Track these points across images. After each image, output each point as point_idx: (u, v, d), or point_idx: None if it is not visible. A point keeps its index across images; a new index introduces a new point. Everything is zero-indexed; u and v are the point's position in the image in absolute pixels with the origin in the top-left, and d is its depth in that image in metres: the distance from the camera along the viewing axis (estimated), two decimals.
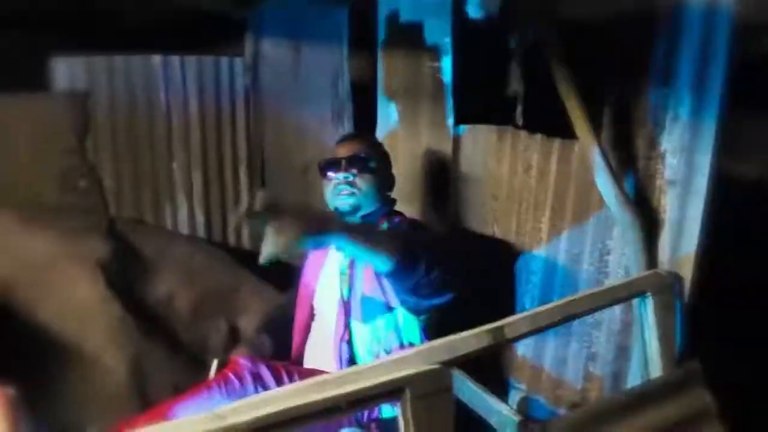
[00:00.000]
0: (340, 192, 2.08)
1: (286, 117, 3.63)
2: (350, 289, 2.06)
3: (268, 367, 1.98)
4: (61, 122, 3.53)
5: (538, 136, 2.23)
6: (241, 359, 1.98)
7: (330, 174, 2.10)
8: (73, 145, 3.55)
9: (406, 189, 2.68)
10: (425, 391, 1.40)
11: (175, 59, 3.64)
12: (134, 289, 2.77)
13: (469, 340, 1.54)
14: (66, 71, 3.53)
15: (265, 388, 1.91)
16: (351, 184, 2.08)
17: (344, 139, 2.24)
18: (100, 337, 2.44)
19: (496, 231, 2.45)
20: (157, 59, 3.62)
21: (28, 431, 1.47)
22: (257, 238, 1.56)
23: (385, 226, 2.08)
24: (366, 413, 2.03)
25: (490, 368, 2.39)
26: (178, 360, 2.55)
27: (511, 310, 2.27)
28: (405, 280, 1.78)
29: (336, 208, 2.11)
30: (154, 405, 2.05)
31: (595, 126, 1.89)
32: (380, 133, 2.86)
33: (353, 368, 1.51)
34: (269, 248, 1.48)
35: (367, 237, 1.72)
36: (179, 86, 3.67)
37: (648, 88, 1.87)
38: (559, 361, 2.21)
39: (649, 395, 1.72)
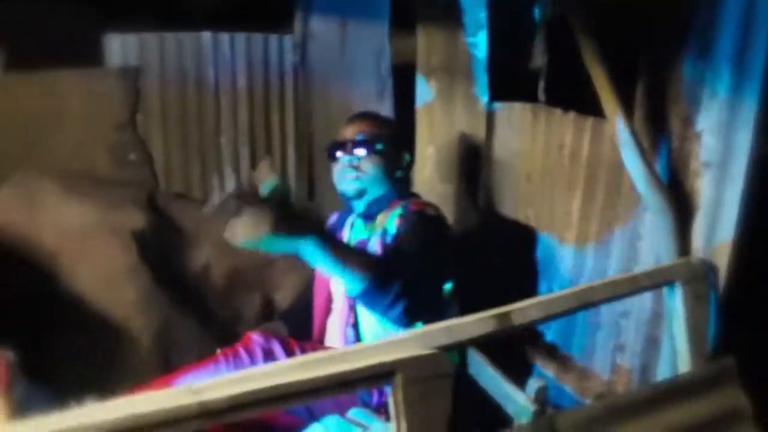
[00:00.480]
0: (346, 175, 2.04)
1: (332, 94, 3.63)
2: None
3: (281, 343, 1.96)
4: (113, 97, 3.61)
5: (572, 115, 2.13)
6: (254, 334, 1.96)
7: (336, 156, 2.05)
8: (124, 119, 3.63)
9: (440, 166, 2.64)
10: (419, 375, 1.35)
11: (224, 36, 3.66)
12: (171, 261, 2.82)
13: (472, 324, 1.48)
14: (119, 47, 3.61)
15: None
16: (356, 168, 2.02)
17: (351, 120, 2.15)
18: (128, 306, 2.49)
19: (529, 212, 2.36)
20: (207, 36, 3.64)
21: (24, 394, 1.48)
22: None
23: (398, 211, 2.00)
24: (375, 396, 2.00)
25: (517, 353, 2.31)
26: (210, 332, 2.57)
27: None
28: (375, 306, 1.78)
29: (342, 193, 2.07)
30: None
31: (626, 103, 1.78)
32: (418, 112, 2.81)
33: (347, 348, 1.48)
34: (234, 232, 1.50)
35: (344, 255, 1.69)
36: (228, 63, 3.69)
37: (683, 62, 1.74)
38: (587, 351, 2.12)
39: (675, 391, 1.61)
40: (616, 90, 1.77)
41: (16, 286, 2.66)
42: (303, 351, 1.96)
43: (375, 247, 1.99)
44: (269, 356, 1.92)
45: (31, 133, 3.53)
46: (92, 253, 2.64)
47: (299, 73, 3.74)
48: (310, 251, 1.62)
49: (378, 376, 1.32)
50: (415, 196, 2.11)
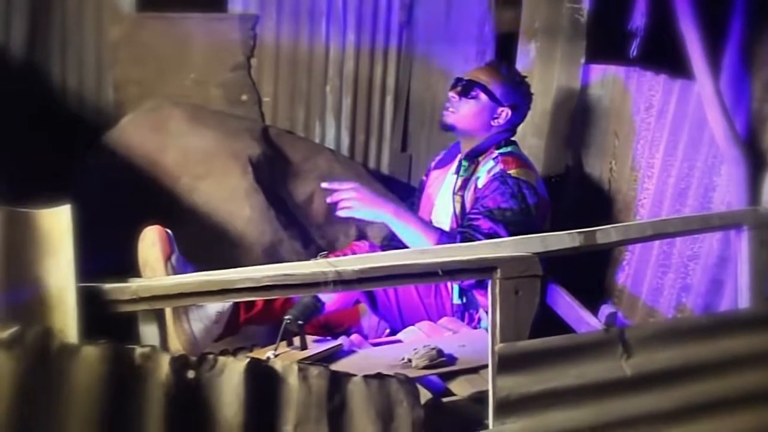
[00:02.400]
0: (446, 109, 2.30)
1: (433, 53, 3.86)
2: (462, 206, 2.26)
3: (381, 250, 2.24)
4: (232, 41, 3.94)
5: (662, 77, 2.33)
6: (359, 243, 2.25)
7: (450, 88, 2.32)
8: (240, 62, 3.96)
9: (533, 122, 2.84)
10: (515, 274, 1.58)
11: None
12: (279, 188, 3.11)
13: (562, 238, 1.69)
14: None
15: None
16: (453, 105, 2.29)
17: (481, 64, 2.43)
18: (244, 222, 2.80)
19: (614, 166, 2.57)
20: None
21: (177, 264, 1.78)
22: None
23: (490, 163, 2.22)
24: (466, 318, 2.25)
25: (591, 296, 2.53)
26: (310, 251, 2.86)
27: None
28: None
29: (439, 121, 2.36)
30: None
31: (714, 65, 1.98)
32: None
33: (452, 245, 1.74)
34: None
35: (417, 222, 2.08)
36: (340, 17, 3.96)
37: None
38: (655, 291, 2.33)
39: (735, 323, 1.78)
40: (706, 53, 1.96)
41: (143, 199, 3.00)
42: None
43: (469, 194, 2.24)
44: None
45: (159, 67, 3.90)
46: (214, 172, 2.97)
47: (404, 31, 4.01)
48: (389, 222, 2.06)
49: (482, 269, 1.57)
50: (512, 144, 2.33)
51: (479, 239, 1.98)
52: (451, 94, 2.31)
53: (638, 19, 2.29)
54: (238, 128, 3.25)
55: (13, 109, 3.60)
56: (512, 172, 2.18)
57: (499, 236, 1.97)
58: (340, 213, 2.03)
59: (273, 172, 3.12)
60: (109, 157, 3.18)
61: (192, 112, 3.31)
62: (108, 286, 1.31)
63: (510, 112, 2.32)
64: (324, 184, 2.07)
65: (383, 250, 2.24)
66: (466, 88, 2.28)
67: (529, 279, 1.61)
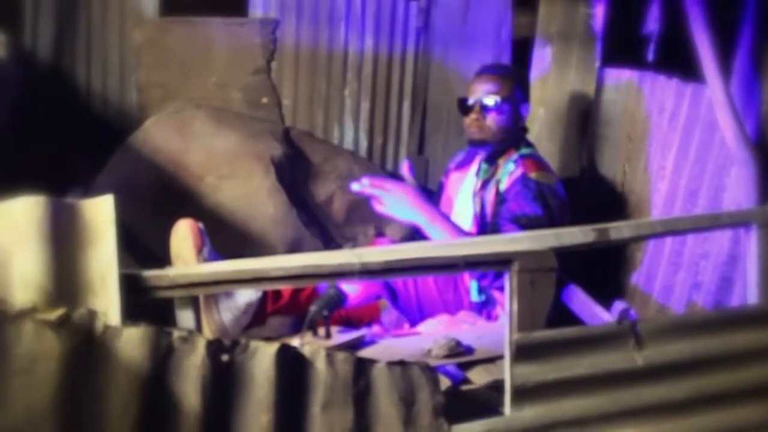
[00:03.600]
0: (472, 127, 2.35)
1: (450, 58, 3.92)
2: (482, 208, 2.33)
3: None
4: (252, 45, 4.02)
5: (674, 81, 2.39)
6: (380, 239, 2.33)
7: (465, 110, 2.36)
8: (260, 66, 4.04)
9: (548, 125, 2.91)
10: (531, 267, 1.65)
11: None
12: (300, 188, 3.20)
13: (575, 234, 1.75)
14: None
15: None
16: (480, 122, 2.33)
17: (479, 74, 2.42)
18: (267, 220, 2.89)
19: (627, 168, 2.63)
20: None
21: (209, 256, 1.86)
22: None
23: (510, 166, 2.28)
24: (485, 313, 2.32)
25: (604, 294, 2.59)
26: (330, 249, 2.94)
27: None
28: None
29: (469, 139, 2.39)
30: None
31: (725, 69, 2.04)
32: (534, 77, 3.07)
33: (471, 239, 1.81)
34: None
35: (450, 228, 2.07)
36: (359, 22, 4.04)
37: None
38: (667, 289, 2.39)
39: (744, 318, 1.83)
40: (717, 57, 2.03)
41: (169, 198, 3.08)
42: None
43: (490, 196, 2.31)
44: None
45: (182, 70, 3.98)
46: (237, 172, 3.06)
47: (421, 36, 4.10)
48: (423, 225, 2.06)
49: (499, 262, 1.64)
50: (530, 146, 2.40)
51: None
52: (476, 116, 2.33)
53: (652, 24, 2.36)
54: (260, 130, 3.34)
55: (41, 112, 3.71)
56: (533, 175, 2.24)
57: None
58: (377, 208, 2.08)
59: (294, 173, 3.21)
60: (134, 158, 3.26)
61: (215, 114, 3.40)
62: (148, 273, 1.38)
63: (528, 106, 2.42)
64: (365, 181, 2.04)
65: None
66: (491, 106, 2.32)
67: (545, 272, 1.67)
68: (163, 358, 1.33)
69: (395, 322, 2.38)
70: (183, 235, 1.86)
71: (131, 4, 3.90)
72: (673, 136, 2.40)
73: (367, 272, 1.51)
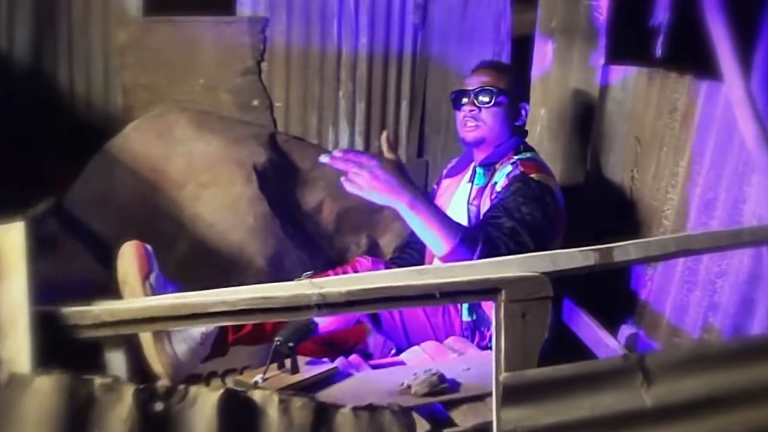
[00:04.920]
0: (467, 124, 2.15)
1: (449, 55, 3.72)
2: (477, 216, 2.11)
3: (387, 267, 2.10)
4: (241, 45, 3.90)
5: (687, 78, 2.17)
6: (362, 258, 2.12)
7: (459, 105, 2.16)
8: (250, 67, 3.91)
9: (550, 126, 2.71)
10: (522, 296, 1.44)
11: None
12: (287, 196, 3.01)
13: (574, 255, 1.53)
14: None
15: None
16: (477, 118, 2.13)
17: (477, 69, 2.25)
18: (246, 232, 2.70)
19: (635, 174, 2.42)
20: None
21: (157, 284, 1.66)
22: None
23: (508, 168, 2.08)
24: (477, 338, 2.11)
25: (610, 311, 2.38)
26: (317, 266, 2.74)
27: None
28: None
29: (463, 139, 2.18)
30: None
31: (745, 64, 1.82)
32: (535, 74, 2.87)
33: (454, 264, 1.60)
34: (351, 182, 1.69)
35: (430, 221, 1.78)
36: (352, 20, 3.87)
37: None
38: (680, 309, 2.17)
39: (764, 349, 1.64)
40: (736, 51, 1.81)
41: (147, 208, 2.92)
42: None
43: (486, 202, 2.10)
44: None
45: (168, 72, 3.85)
46: (218, 180, 2.89)
47: (419, 33, 3.92)
48: (402, 212, 1.77)
49: (483, 291, 1.42)
50: (531, 150, 2.19)
51: (502, 239, 1.84)
52: (471, 108, 2.14)
53: (661, 14, 2.13)
54: (244, 135, 3.17)
55: (20, 115, 3.56)
56: (534, 175, 2.05)
57: (522, 238, 1.85)
58: (346, 186, 1.70)
59: (280, 180, 3.02)
60: (112, 166, 3.10)
61: (198, 118, 3.25)
62: (67, 309, 1.19)
63: (528, 107, 2.25)
64: (336, 152, 1.71)
65: (388, 267, 2.12)
66: (487, 97, 2.13)
67: (538, 301, 1.46)
68: (81, 410, 1.13)
69: (381, 346, 2.18)
70: (128, 258, 1.66)
71: (114, 2, 3.82)
72: (687, 140, 2.17)
73: (327, 306, 1.31)
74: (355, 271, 2.06)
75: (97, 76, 3.87)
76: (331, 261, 2.87)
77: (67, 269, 2.50)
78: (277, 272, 2.61)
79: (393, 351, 2.15)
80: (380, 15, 3.88)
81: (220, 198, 2.83)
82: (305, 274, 1.82)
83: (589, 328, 2.17)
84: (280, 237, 2.74)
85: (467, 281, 1.41)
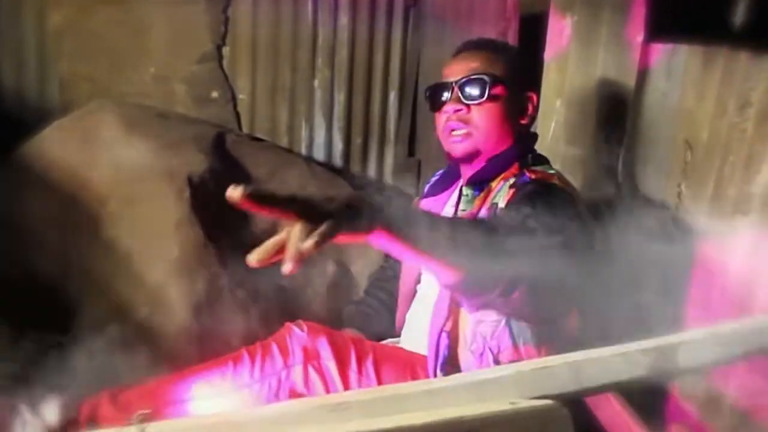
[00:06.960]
0: (452, 130, 1.55)
1: (446, 36, 3.24)
2: None
3: (331, 341, 1.48)
4: (198, 27, 3.43)
5: (766, 61, 1.54)
6: (296, 327, 1.51)
7: (440, 104, 1.57)
8: (208, 52, 3.48)
9: (568, 124, 2.18)
10: None
11: None
12: (233, 214, 2.45)
13: (611, 361, 0.92)
14: None
15: (318, 371, 1.43)
16: (465, 120, 1.54)
17: (461, 51, 1.66)
18: (168, 268, 2.12)
19: (683, 189, 1.81)
20: None
21: None
22: None
23: (512, 180, 1.48)
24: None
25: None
26: (264, 306, 2.17)
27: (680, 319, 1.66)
28: (472, 299, 1.25)
29: (449, 152, 1.60)
30: (211, 357, 1.66)
31: None
32: (548, 55, 2.33)
33: (411, 385, 0.96)
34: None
35: (431, 242, 1.09)
36: None
37: None
38: (745, 389, 1.55)
39: None
40: None
41: (60, 232, 2.39)
42: (360, 354, 1.48)
43: None
44: (311, 358, 1.46)
45: (113, 60, 3.43)
46: (141, 197, 2.33)
47: (410, 10, 3.50)
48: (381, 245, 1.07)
49: None
50: (544, 162, 1.58)
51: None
52: (455, 107, 1.55)
53: None
54: (182, 137, 2.62)
55: None
56: (553, 182, 1.48)
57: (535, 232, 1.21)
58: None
59: (223, 194, 2.43)
60: (22, 176, 2.57)
61: (128, 116, 2.72)
62: None
63: (536, 97, 1.63)
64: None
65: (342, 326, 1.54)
66: (478, 89, 1.53)
67: None
68: None
69: None
70: None
71: None
72: (764, 146, 1.55)
73: None
74: (282, 350, 1.46)
75: (30, 66, 3.40)
76: (287, 298, 2.29)
77: None
78: (206, 325, 2.01)
79: None
80: None
81: (143, 218, 2.26)
82: (137, 414, 1.12)
83: (620, 418, 1.56)
84: (214, 272, 2.13)
85: (417, 426, 0.80)
